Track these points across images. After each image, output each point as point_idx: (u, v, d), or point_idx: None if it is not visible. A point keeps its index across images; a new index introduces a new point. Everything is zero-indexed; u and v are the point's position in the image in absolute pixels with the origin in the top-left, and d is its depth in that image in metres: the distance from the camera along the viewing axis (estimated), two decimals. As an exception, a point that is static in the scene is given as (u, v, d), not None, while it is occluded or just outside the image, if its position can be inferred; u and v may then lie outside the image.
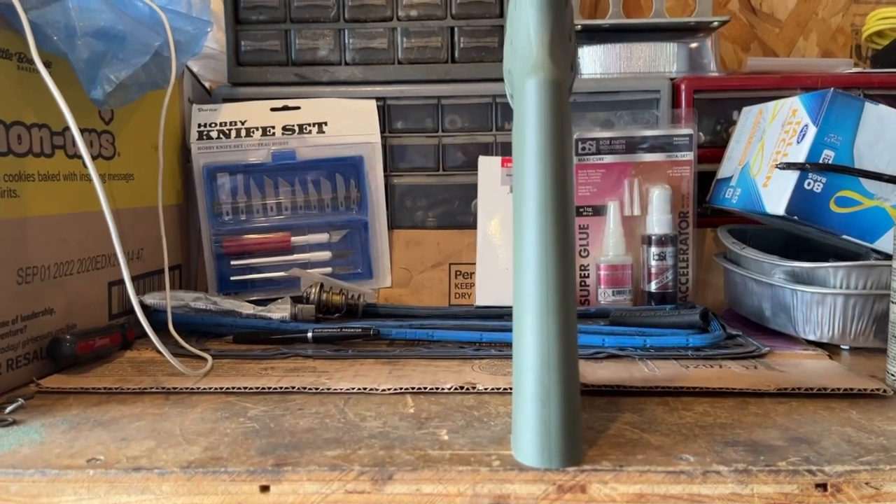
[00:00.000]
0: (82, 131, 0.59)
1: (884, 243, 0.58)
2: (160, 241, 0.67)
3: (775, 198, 0.60)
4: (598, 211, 0.76)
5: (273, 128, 0.76)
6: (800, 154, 0.59)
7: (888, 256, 0.57)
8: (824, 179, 0.58)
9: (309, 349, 0.61)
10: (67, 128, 0.57)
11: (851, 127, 0.58)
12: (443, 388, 0.50)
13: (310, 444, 0.41)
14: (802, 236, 0.69)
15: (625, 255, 0.74)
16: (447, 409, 0.47)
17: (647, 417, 0.45)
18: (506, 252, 0.77)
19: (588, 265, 0.76)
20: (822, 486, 0.37)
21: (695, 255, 0.76)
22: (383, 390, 0.50)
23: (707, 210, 0.78)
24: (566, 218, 0.39)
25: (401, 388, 0.50)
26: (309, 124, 0.77)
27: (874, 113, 0.58)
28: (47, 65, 0.50)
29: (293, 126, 0.77)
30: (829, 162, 0.58)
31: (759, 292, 0.64)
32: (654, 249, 0.73)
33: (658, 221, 0.73)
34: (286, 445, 0.41)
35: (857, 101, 0.58)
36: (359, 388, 0.50)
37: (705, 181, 0.77)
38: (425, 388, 0.50)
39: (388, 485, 0.38)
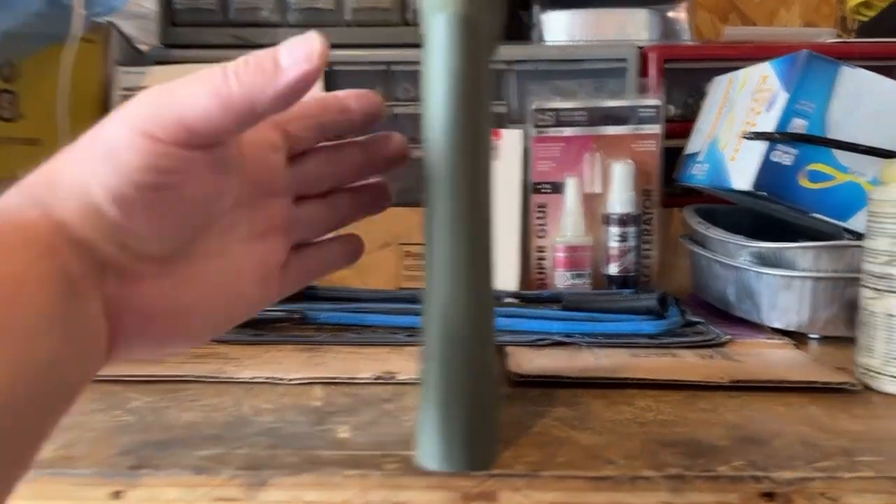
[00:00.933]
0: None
1: (857, 222, 0.52)
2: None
3: (742, 172, 0.55)
4: (557, 188, 0.70)
5: (206, 93, 0.70)
6: (769, 123, 0.53)
7: (862, 237, 0.52)
8: (795, 151, 0.52)
9: (228, 333, 0.55)
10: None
11: (826, 93, 0.52)
12: (358, 379, 0.44)
13: (184, 441, 0.36)
14: (775, 218, 0.63)
15: (584, 236, 0.69)
16: (358, 402, 0.41)
17: (581, 412, 0.39)
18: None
19: (545, 247, 0.71)
20: (769, 496, 0.32)
21: (660, 237, 0.71)
22: (290, 380, 0.44)
23: (676, 189, 0.73)
24: (479, 184, 0.34)
25: (310, 378, 0.44)
26: (245, 90, 0.71)
27: (852, 77, 0.52)
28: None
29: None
30: (801, 132, 0.52)
31: (724, 276, 0.59)
32: (615, 229, 0.67)
33: (620, 199, 0.68)
34: (156, 444, 0.35)
35: (833, 64, 0.52)
36: (264, 378, 0.44)
37: (675, 158, 0.71)
38: (339, 379, 0.44)
39: (262, 491, 0.32)
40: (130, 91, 0.70)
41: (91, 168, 0.24)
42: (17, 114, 0.58)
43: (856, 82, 0.52)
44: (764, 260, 0.54)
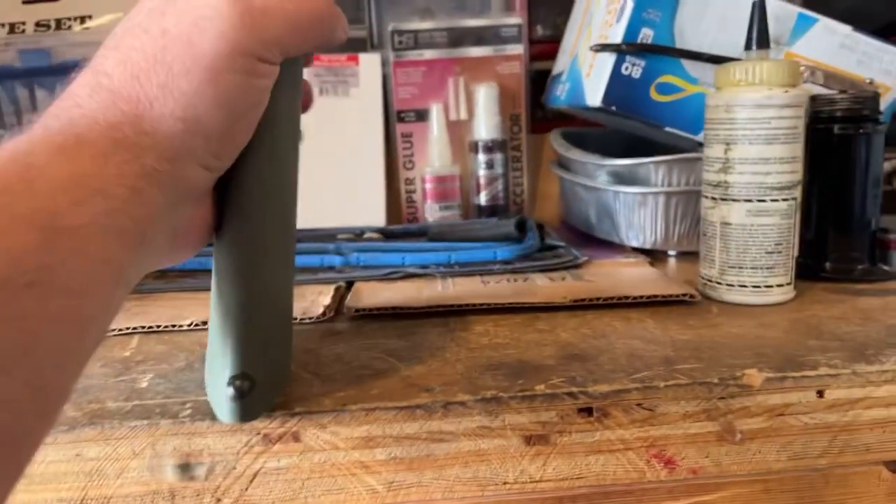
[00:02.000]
0: None
1: (709, 135, 0.52)
2: None
3: (594, 88, 0.53)
4: (422, 116, 0.67)
5: (23, 23, 0.63)
6: (617, 35, 0.51)
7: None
8: (643, 63, 0.51)
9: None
10: None
11: (672, 1, 0.51)
12: (181, 325, 0.41)
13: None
14: (643, 139, 0.62)
15: (452, 166, 0.66)
16: (174, 349, 0.38)
17: (413, 342, 0.37)
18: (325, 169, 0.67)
19: (414, 178, 0.68)
20: (587, 411, 0.31)
21: (530, 164, 0.69)
22: (111, 331, 0.40)
23: (547, 114, 0.71)
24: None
25: (128, 328, 0.40)
26: (69, 18, 0.63)
27: (697, -16, 0.51)
28: None
29: (49, 20, 0.63)
30: (648, 42, 0.50)
31: (585, 198, 0.58)
32: (481, 157, 0.65)
33: (486, 125, 0.65)
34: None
35: (679, -30, 0.51)
36: (74, 330, 0.40)
37: (545, 81, 0.69)
38: (160, 326, 0.41)
39: (41, 451, 0.29)
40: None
41: (192, 87, 0.24)
42: None
43: (702, -11, 0.51)
44: (620, 178, 0.53)
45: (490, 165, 0.65)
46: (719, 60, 0.49)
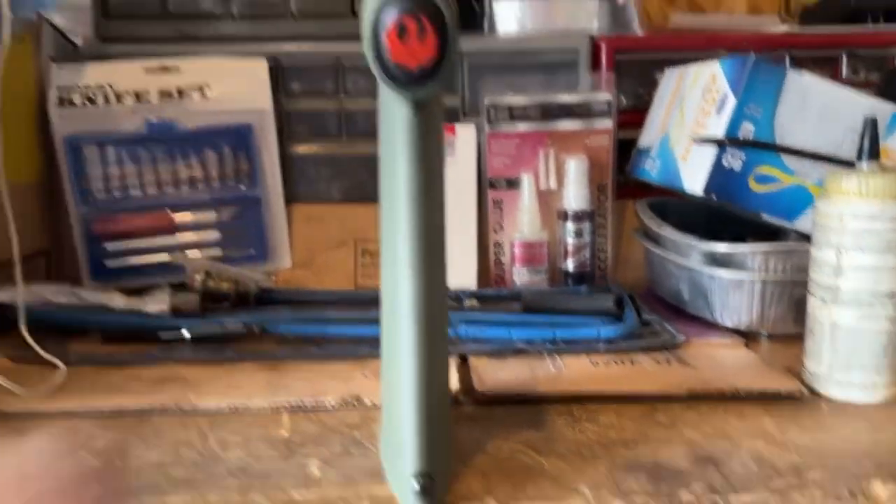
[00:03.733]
0: None
1: (804, 223, 0.54)
2: (22, 226, 0.58)
3: (693, 175, 0.56)
4: (513, 184, 0.70)
5: (148, 92, 0.67)
6: (718, 127, 0.54)
7: (808, 237, 0.54)
8: (743, 155, 0.54)
9: (186, 350, 0.54)
10: None
11: (773, 98, 0.53)
12: (324, 404, 0.44)
13: (154, 488, 0.35)
14: (727, 211, 0.65)
15: (540, 232, 0.69)
16: (325, 431, 0.41)
17: (546, 433, 0.40)
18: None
19: (502, 242, 0.71)
20: (728, 519, 0.33)
21: (614, 231, 0.72)
22: (256, 409, 0.44)
23: (629, 179, 0.74)
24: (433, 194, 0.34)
25: (276, 405, 0.44)
26: (190, 88, 0.68)
27: (797, 83, 0.53)
28: None
29: (171, 90, 0.68)
30: (749, 136, 0.53)
31: (677, 274, 0.60)
32: (571, 226, 0.68)
33: (575, 196, 0.68)
34: (125, 492, 0.35)
35: (780, 69, 0.54)
36: (228, 407, 0.44)
37: (627, 148, 0.72)
38: (304, 405, 0.44)
39: (238, 541, 0.32)
40: (66, 90, 0.66)
41: None
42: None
43: (801, 87, 0.53)
44: (715, 260, 0.56)
45: (578, 234, 0.68)
46: (820, 157, 0.51)
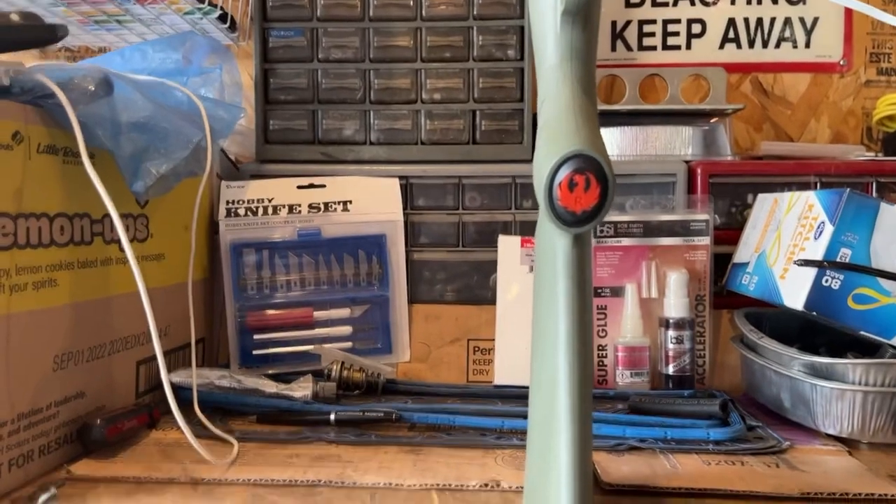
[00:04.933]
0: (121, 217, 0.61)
1: (901, 340, 0.59)
2: (187, 317, 0.68)
3: (794, 292, 0.61)
4: (616, 292, 0.77)
5: (299, 205, 0.79)
6: (817, 251, 0.60)
7: (906, 353, 0.58)
8: (842, 277, 0.59)
9: (332, 432, 0.61)
10: (107, 215, 0.59)
11: (868, 226, 0.59)
12: (468, 486, 0.50)
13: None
14: (821, 322, 0.70)
15: (642, 338, 0.75)
16: (473, 509, 0.47)
17: (672, 523, 0.45)
18: (523, 329, 0.78)
19: (606, 345, 0.77)
20: None
21: (711, 338, 0.77)
22: (409, 486, 0.50)
23: (724, 291, 0.79)
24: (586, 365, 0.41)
25: (426, 485, 0.51)
26: (334, 202, 0.79)
27: (890, 213, 0.59)
28: (91, 156, 0.53)
29: (319, 204, 0.79)
30: (847, 260, 0.59)
31: (777, 382, 0.65)
32: (671, 333, 0.74)
33: (675, 305, 0.74)
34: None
35: (873, 201, 0.60)
36: (385, 483, 0.51)
37: (720, 262, 0.78)
38: (450, 486, 0.50)
39: None
40: (233, 203, 0.78)
41: None
42: (149, 234, 0.66)
43: (893, 217, 0.59)
44: (816, 371, 0.61)
45: (679, 340, 0.74)
46: (914, 281, 0.56)
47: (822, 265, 0.59)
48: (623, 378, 0.75)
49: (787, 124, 0.98)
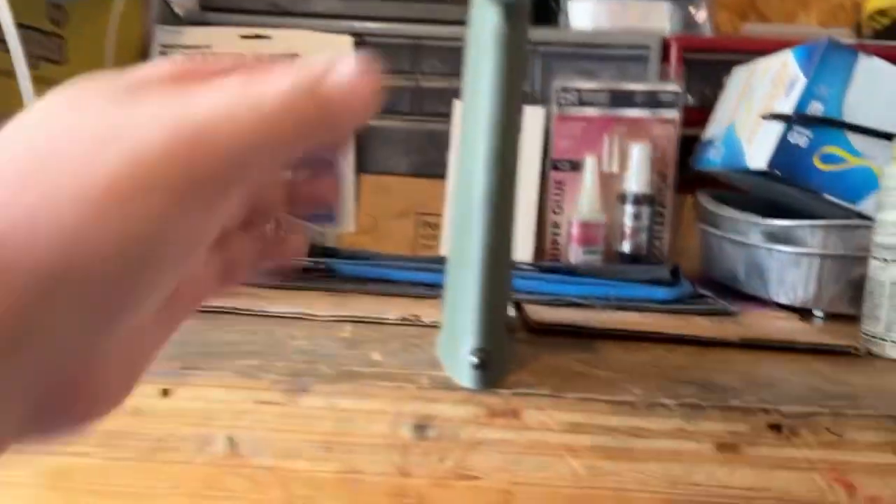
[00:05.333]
0: (26, 28, 0.55)
1: (868, 206, 0.55)
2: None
3: (758, 151, 0.57)
4: (576, 167, 0.72)
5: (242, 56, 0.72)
6: (787, 106, 0.55)
7: (871, 220, 0.54)
8: (810, 134, 0.54)
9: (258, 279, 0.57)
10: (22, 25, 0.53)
11: (843, 80, 0.55)
12: (386, 319, 0.46)
13: (227, 354, 0.38)
14: (784, 206, 0.66)
15: (599, 213, 0.71)
16: (386, 336, 0.43)
17: (599, 356, 0.42)
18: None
19: (561, 222, 0.73)
20: (777, 428, 0.34)
21: (672, 220, 0.73)
22: (322, 317, 0.46)
23: (690, 176, 0.75)
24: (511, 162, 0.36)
25: (340, 316, 0.46)
26: (279, 56, 0.73)
27: (868, 66, 0.55)
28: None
29: (264, 56, 0.73)
30: (818, 115, 0.54)
31: (733, 254, 0.61)
32: (630, 208, 0.70)
33: (637, 179, 0.70)
34: (201, 353, 0.37)
35: (852, 52, 0.55)
36: (295, 313, 0.46)
37: (691, 146, 0.73)
38: (367, 318, 0.46)
39: (302, 397, 0.34)
40: (168, 49, 0.72)
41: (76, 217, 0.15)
42: (64, 58, 0.60)
43: (872, 71, 0.54)
44: (774, 237, 0.57)
45: (637, 217, 0.69)
46: (889, 136, 0.52)
47: (790, 118, 0.54)
48: (576, 255, 0.71)
49: (773, 13, 0.92)
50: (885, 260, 0.45)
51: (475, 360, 0.34)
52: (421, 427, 0.34)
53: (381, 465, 0.34)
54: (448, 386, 0.34)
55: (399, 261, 0.64)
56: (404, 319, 0.46)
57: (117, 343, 0.17)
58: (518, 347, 0.42)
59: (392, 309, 0.49)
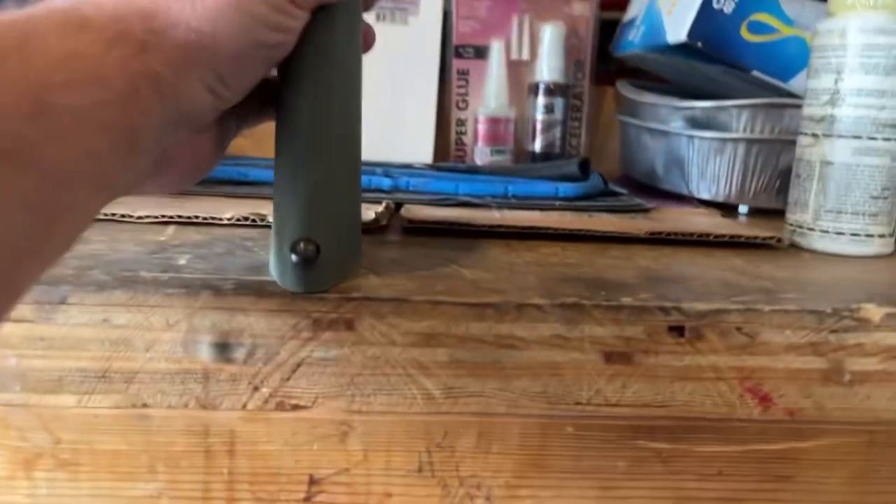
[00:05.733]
0: None
1: (799, 83, 0.48)
2: None
3: (678, 23, 0.49)
4: (481, 53, 0.63)
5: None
6: (712, -36, 0.47)
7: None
8: (737, -3, 0.47)
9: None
10: None
11: (776, -68, 0.46)
12: (220, 219, 0.38)
13: None
14: (708, 94, 0.58)
15: (508, 108, 0.62)
16: (213, 239, 0.35)
17: (474, 257, 0.34)
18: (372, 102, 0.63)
19: (466, 119, 0.64)
20: (678, 330, 0.27)
21: (590, 115, 0.65)
22: (138, 217, 0.37)
23: (610, 67, 0.67)
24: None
25: (163, 216, 0.37)
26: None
27: (805, -85, 0.46)
28: None
29: None
30: (746, -26, 0.46)
31: (653, 147, 0.54)
32: (541, 100, 0.61)
33: (549, 66, 0.61)
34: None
35: None
36: (105, 215, 0.37)
37: (611, 32, 0.65)
38: (198, 218, 0.38)
39: (58, 312, 0.26)
40: None
41: (216, 4, 0.22)
42: None
43: (810, -78, 0.46)
44: (696, 123, 0.49)
45: (549, 110, 0.61)
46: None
47: (715, -23, 0.46)
48: (482, 156, 0.63)
49: None
50: (815, 135, 0.38)
51: (295, 255, 0.25)
52: (224, 346, 0.26)
53: (173, 396, 0.26)
54: (260, 292, 0.26)
55: (262, 160, 0.55)
56: (244, 219, 0.38)
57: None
58: (378, 250, 0.34)
59: (236, 208, 0.40)
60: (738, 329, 0.27)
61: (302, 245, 0.25)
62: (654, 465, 0.28)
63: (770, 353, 0.27)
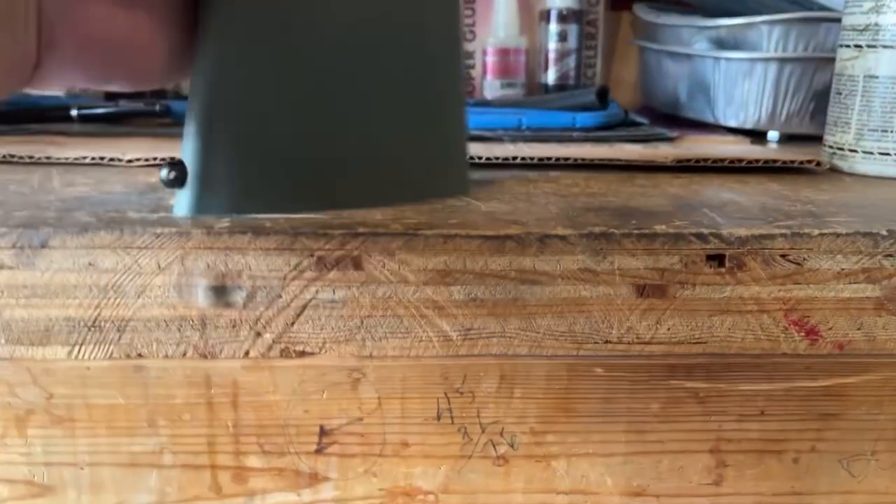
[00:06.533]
0: None
1: (836, -4, 0.44)
2: None
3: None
4: (488, -20, 0.59)
5: None
6: None
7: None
8: None
9: (75, 126, 0.44)
10: None
11: None
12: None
13: (-53, 205, 0.26)
14: (734, 13, 0.54)
15: (518, 38, 0.59)
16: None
17: (489, 189, 0.31)
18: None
19: (474, 51, 0.61)
20: (717, 259, 0.24)
21: (605, 43, 0.62)
22: (128, 161, 0.35)
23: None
24: None
25: (156, 158, 0.35)
26: None
27: None
28: None
29: None
30: None
31: (675, 72, 0.50)
32: (554, 27, 0.58)
33: (561, -9, 0.57)
34: None
35: None
36: (94, 158, 0.35)
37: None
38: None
39: (39, 257, 0.23)
40: None
41: None
42: None
43: None
44: (722, 44, 0.46)
45: (563, 38, 0.58)
46: None
47: None
48: (492, 91, 0.59)
49: None
50: (858, 46, 0.34)
51: (164, 173, 0.23)
52: (221, 289, 0.24)
53: (170, 346, 0.24)
54: (257, 230, 0.24)
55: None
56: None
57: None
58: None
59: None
60: (784, 256, 0.24)
61: (166, 170, 0.23)
62: (691, 406, 0.26)
63: (819, 282, 0.25)
